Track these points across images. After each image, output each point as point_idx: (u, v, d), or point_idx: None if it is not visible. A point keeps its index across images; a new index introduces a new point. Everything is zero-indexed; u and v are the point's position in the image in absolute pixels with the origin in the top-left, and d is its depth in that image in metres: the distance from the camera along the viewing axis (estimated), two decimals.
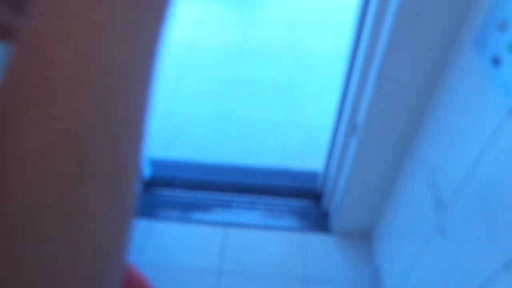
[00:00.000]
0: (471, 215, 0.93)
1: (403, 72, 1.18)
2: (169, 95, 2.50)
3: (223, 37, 3.04)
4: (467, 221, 0.95)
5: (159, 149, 2.16)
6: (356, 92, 1.47)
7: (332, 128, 1.73)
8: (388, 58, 1.15)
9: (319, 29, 3.15)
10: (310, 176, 2.02)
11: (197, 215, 1.86)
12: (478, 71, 0.94)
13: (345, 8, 3.39)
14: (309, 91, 2.57)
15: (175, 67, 2.72)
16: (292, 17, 3.29)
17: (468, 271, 0.92)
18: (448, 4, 1.02)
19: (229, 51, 2.89)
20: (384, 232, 1.63)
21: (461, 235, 0.97)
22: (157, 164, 2.04)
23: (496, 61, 0.86)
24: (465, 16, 1.02)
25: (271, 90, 2.57)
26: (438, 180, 1.12)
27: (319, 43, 3.00)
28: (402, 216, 1.43)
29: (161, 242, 1.76)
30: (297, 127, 2.33)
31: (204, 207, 1.90)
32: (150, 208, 1.88)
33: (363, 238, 1.80)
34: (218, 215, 1.87)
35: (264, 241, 1.79)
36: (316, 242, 1.79)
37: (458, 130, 1.03)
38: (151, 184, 1.96)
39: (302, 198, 1.96)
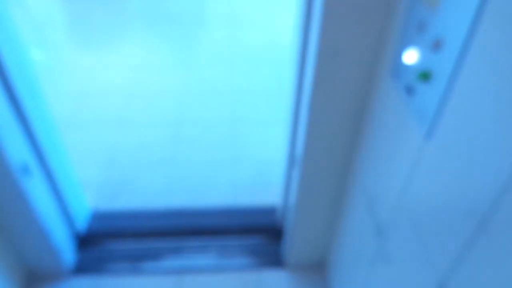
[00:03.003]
0: (406, 238, 0.96)
1: (331, 105, 1.22)
2: (112, 143, 2.45)
3: (164, 80, 3.04)
4: (403, 245, 0.97)
5: (104, 200, 2.09)
6: (292, 125, 1.51)
7: (283, 162, 1.74)
8: (315, 91, 1.18)
9: (258, 66, 3.23)
10: (261, 212, 2.02)
11: (148, 265, 1.80)
12: (395, 101, 0.99)
13: (282, 44, 3.50)
14: (253, 127, 2.60)
15: (116, 114, 2.68)
16: (231, 57, 3.35)
17: None
18: (363, 40, 1.07)
19: (171, 94, 2.89)
20: (336, 261, 1.64)
21: (400, 259, 0.99)
22: (102, 216, 1.97)
23: (409, 90, 0.90)
24: (380, 49, 1.08)
25: (215, 129, 2.58)
26: (376, 207, 1.15)
27: (258, 80, 3.06)
28: (349, 244, 1.45)
29: None
30: (244, 163, 2.34)
31: (155, 255, 1.84)
32: (97, 263, 1.80)
33: (317, 269, 1.80)
34: (170, 262, 1.82)
35: (219, 284, 1.75)
36: (271, 278, 1.77)
37: (386, 156, 1.07)
38: (97, 238, 1.89)
39: (254, 234, 1.94)
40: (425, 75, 0.83)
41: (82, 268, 1.78)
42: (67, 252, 1.73)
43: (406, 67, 0.92)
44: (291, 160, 1.61)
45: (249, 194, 2.16)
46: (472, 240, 0.70)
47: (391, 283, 1.06)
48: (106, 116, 2.67)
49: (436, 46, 0.79)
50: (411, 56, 0.89)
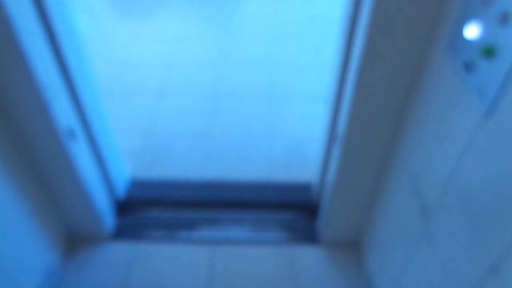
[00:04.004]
0: (455, 220, 0.93)
1: (380, 80, 1.18)
2: (150, 113, 2.48)
3: (202, 53, 3.04)
4: (451, 226, 0.95)
5: (142, 169, 2.13)
6: (335, 101, 1.48)
7: (322, 138, 1.72)
8: (363, 67, 1.15)
9: (296, 41, 3.18)
10: (296, 188, 2.02)
11: (184, 234, 1.84)
12: (451, 77, 0.95)
13: (320, 19, 3.43)
14: (290, 103, 2.58)
15: (155, 85, 2.71)
16: (269, 30, 3.31)
17: (456, 277, 0.92)
18: (418, 14, 1.03)
19: (209, 66, 2.89)
20: (372, 241, 1.62)
21: (447, 241, 0.97)
22: (140, 184, 2.01)
23: (468, 67, 0.87)
24: (436, 23, 1.03)
25: (252, 103, 2.57)
26: (422, 187, 1.12)
27: (297, 54, 3.01)
28: (389, 223, 1.43)
29: (148, 264, 1.73)
30: (280, 139, 2.33)
31: (191, 225, 1.87)
32: (135, 229, 1.84)
33: (352, 248, 1.79)
34: (205, 232, 1.85)
35: (252, 256, 1.77)
36: (305, 254, 1.77)
37: (437, 135, 1.04)
38: (135, 205, 1.93)
39: (289, 210, 1.94)
40: (488, 51, 0.79)
41: (120, 233, 1.83)
42: (107, 217, 1.78)
43: (467, 42, 0.88)
44: (331, 137, 1.59)
45: (284, 170, 2.16)
46: None
47: (434, 264, 1.04)
48: (144, 86, 2.70)
49: (504, 19, 0.75)
50: (473, 31, 0.85)
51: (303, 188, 2.00)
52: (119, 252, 1.76)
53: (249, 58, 2.98)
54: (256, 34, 3.27)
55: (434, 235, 1.04)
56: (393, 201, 1.38)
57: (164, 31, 3.27)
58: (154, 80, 2.75)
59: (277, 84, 2.73)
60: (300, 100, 2.59)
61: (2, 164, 1.29)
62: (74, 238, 1.80)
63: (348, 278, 1.69)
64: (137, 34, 3.25)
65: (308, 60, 2.95)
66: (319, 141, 1.81)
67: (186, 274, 1.70)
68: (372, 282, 1.60)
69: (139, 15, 3.52)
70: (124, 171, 2.00)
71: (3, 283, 1.30)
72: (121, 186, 1.93)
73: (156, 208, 1.94)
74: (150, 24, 3.38)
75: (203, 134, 2.35)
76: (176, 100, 2.60)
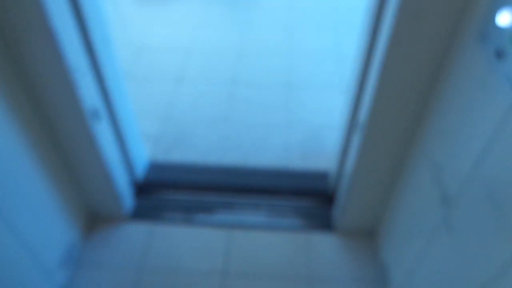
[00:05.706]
0: (478, 209, 0.93)
1: (406, 68, 1.18)
2: (170, 98, 2.50)
3: (221, 39, 3.04)
4: (474, 216, 0.95)
5: (160, 152, 2.15)
6: (357, 89, 1.48)
7: (342, 127, 1.72)
8: (390, 54, 1.15)
9: (316, 29, 3.16)
10: (313, 175, 2.02)
11: (201, 217, 1.86)
12: (481, 65, 0.94)
13: (341, 7, 3.40)
14: (308, 91, 2.57)
15: (173, 70, 2.72)
16: (289, 18, 3.29)
17: (477, 266, 0.92)
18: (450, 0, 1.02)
19: (228, 52, 2.89)
20: (389, 230, 1.63)
21: (469, 230, 0.97)
22: (159, 167, 2.03)
23: (499, 55, 0.86)
24: (467, 9, 1.02)
25: (270, 90, 2.57)
26: (444, 176, 1.12)
27: (316, 42, 3.00)
28: (407, 213, 1.43)
29: (165, 245, 1.75)
30: (298, 127, 2.33)
31: (207, 208, 1.90)
32: (154, 211, 1.87)
33: (368, 236, 1.80)
34: (222, 216, 1.87)
35: (268, 241, 1.79)
36: (320, 241, 1.79)
37: (462, 124, 1.03)
38: (153, 187, 1.96)
39: (305, 197, 1.95)
40: None
41: (139, 214, 1.86)
42: (127, 198, 1.81)
43: (498, 30, 0.87)
44: (352, 124, 1.59)
45: (301, 158, 2.16)
46: None
47: (454, 252, 1.04)
48: (163, 71, 2.71)
49: None
50: (506, 18, 0.84)
51: (320, 176, 2.01)
52: (137, 233, 1.80)
53: (268, 45, 2.98)
54: (275, 21, 3.26)
55: (455, 224, 1.04)
56: (412, 190, 1.38)
57: (183, 17, 3.28)
58: (173, 65, 2.76)
59: (295, 72, 2.72)
60: (318, 89, 2.58)
61: (30, 144, 1.32)
62: (94, 218, 1.83)
63: (363, 266, 1.70)
64: (156, 19, 3.26)
65: (328, 48, 2.94)
66: (337, 129, 1.81)
67: (203, 255, 1.72)
68: (388, 271, 1.60)
69: (158, 1, 3.52)
70: (144, 154, 2.02)
71: (28, 257, 1.34)
72: (140, 168, 1.96)
73: (173, 191, 1.97)
74: (169, 9, 3.38)
75: (221, 119, 2.36)
76: (194, 85, 2.61)
